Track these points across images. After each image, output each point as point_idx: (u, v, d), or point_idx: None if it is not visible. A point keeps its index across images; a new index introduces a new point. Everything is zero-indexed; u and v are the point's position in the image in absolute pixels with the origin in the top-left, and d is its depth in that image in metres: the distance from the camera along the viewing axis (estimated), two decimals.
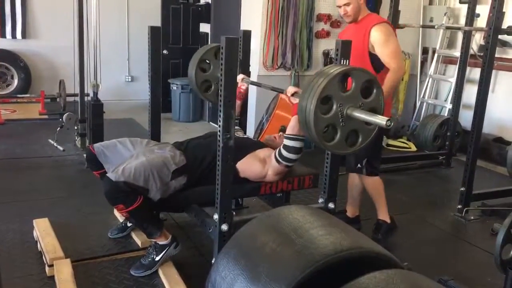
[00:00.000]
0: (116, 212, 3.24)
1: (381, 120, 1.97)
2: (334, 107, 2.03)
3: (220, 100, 2.20)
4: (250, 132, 4.60)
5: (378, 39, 2.91)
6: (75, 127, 4.61)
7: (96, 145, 2.76)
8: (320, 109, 2.01)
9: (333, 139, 2.10)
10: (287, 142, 2.54)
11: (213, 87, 3.17)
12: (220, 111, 2.21)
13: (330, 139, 2.10)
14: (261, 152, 2.72)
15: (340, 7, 3.04)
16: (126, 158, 2.63)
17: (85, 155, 2.83)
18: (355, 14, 3.01)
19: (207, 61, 3.13)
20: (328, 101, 2.03)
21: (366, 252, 1.26)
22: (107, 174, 2.49)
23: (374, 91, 2.11)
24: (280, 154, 2.58)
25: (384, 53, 2.91)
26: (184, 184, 2.61)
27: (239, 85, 2.97)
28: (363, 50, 2.94)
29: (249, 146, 2.75)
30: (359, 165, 3.13)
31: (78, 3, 4.32)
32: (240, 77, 2.96)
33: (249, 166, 2.64)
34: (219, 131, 2.23)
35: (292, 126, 2.54)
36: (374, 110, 2.12)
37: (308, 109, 1.98)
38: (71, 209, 3.41)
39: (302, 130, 2.14)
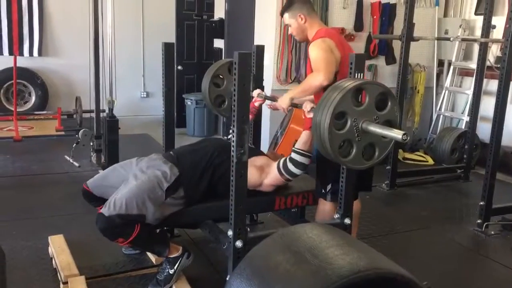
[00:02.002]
0: None
1: (396, 134, 1.94)
2: (349, 122, 2.01)
3: (234, 115, 2.19)
4: (264, 147, 4.58)
5: (311, 58, 2.72)
6: (91, 143, 4.64)
7: (89, 182, 2.72)
8: (335, 125, 1.99)
9: (350, 154, 2.08)
10: (295, 156, 2.51)
11: (226, 102, 3.17)
12: (233, 126, 2.20)
13: (347, 154, 2.08)
14: (258, 160, 2.68)
15: None
16: (120, 185, 2.54)
17: (82, 194, 2.77)
18: (298, 34, 2.90)
19: (221, 76, 3.13)
20: (343, 117, 2.01)
21: (384, 273, 1.22)
22: (99, 211, 2.42)
23: (389, 103, 2.08)
24: (285, 166, 2.54)
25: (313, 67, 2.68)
26: (184, 197, 2.54)
27: (253, 99, 2.95)
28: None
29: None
30: (323, 190, 2.74)
31: (93, 21, 4.38)
32: (256, 92, 2.95)
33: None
34: (233, 146, 2.22)
35: (304, 141, 2.51)
36: (389, 123, 2.09)
37: (322, 126, 1.96)
38: (86, 225, 3.39)
39: (318, 146, 2.12)
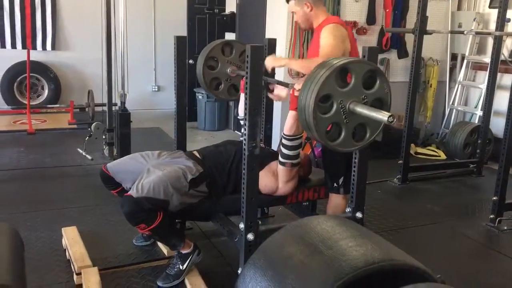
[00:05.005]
0: None
1: (382, 116, 1.85)
2: (335, 105, 1.95)
3: (246, 109, 2.19)
4: (275, 146, 4.58)
5: (322, 41, 2.65)
6: (103, 136, 4.67)
7: (109, 165, 2.75)
8: (320, 109, 1.92)
9: (339, 137, 2.03)
10: (285, 142, 2.54)
11: (223, 84, 3.12)
12: (245, 120, 2.20)
13: (336, 137, 2.03)
14: (275, 164, 2.68)
15: None
16: (141, 173, 2.58)
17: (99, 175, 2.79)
18: (303, 22, 2.85)
19: (215, 58, 3.08)
20: (328, 100, 1.95)
21: (398, 264, 1.22)
22: (126, 193, 2.46)
23: (378, 81, 2.01)
24: (281, 153, 2.57)
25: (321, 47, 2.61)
26: (207, 192, 2.60)
27: None
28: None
29: (266, 158, 2.69)
30: (335, 184, 2.77)
31: (106, 15, 4.39)
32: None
33: (263, 178, 2.53)
34: (245, 139, 2.22)
35: (290, 126, 2.49)
36: (380, 101, 2.03)
37: (307, 110, 1.90)
38: (99, 217, 3.44)
39: (305, 132, 2.09)
